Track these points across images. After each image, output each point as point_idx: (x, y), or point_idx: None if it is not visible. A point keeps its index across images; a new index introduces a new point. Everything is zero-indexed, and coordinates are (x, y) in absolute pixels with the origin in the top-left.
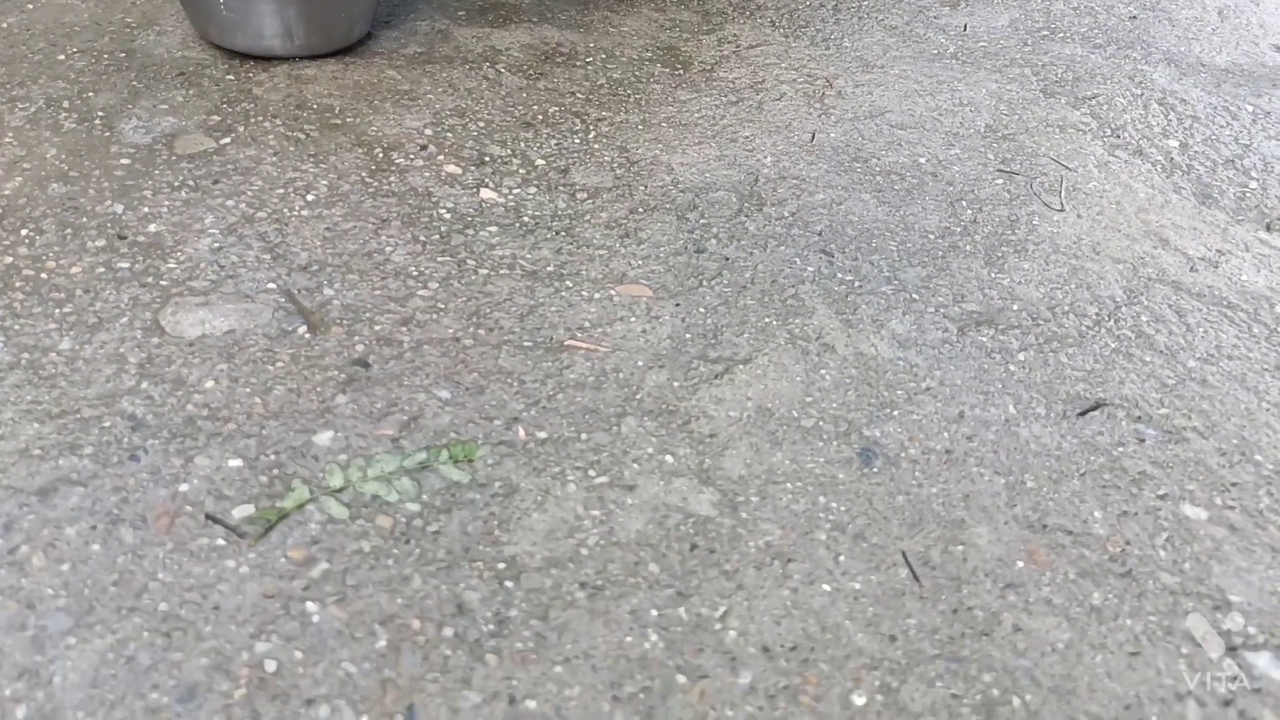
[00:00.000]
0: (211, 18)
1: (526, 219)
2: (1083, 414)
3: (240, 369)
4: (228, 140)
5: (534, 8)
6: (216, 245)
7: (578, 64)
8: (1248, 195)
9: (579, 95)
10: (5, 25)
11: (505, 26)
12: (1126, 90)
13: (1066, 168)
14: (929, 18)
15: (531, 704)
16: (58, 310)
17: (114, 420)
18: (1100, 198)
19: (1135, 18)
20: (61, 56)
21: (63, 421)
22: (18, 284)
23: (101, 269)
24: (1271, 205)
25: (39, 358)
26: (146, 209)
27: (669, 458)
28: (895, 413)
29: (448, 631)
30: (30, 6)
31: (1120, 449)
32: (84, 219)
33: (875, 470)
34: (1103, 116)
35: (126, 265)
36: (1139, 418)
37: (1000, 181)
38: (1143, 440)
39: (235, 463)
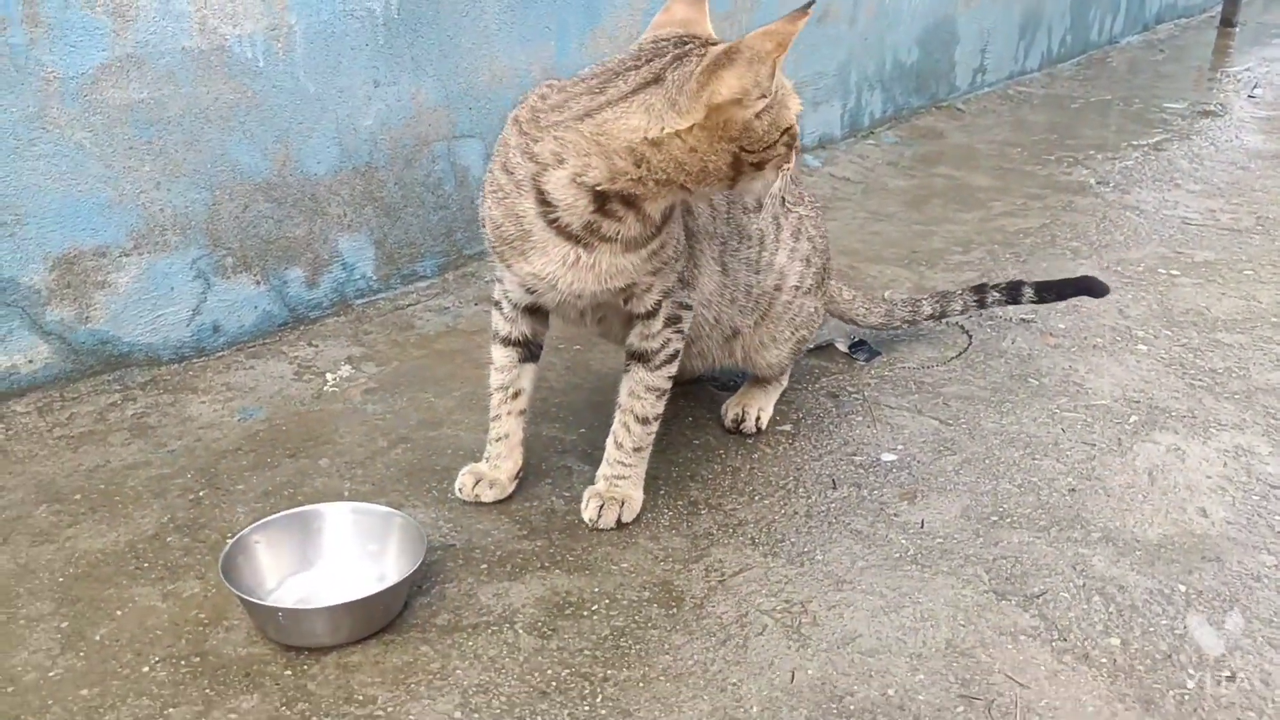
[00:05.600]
0: (268, 623)
1: None
2: None
3: None
4: None
5: (544, 551)
6: None
7: (584, 614)
8: (1185, 700)
9: (586, 653)
10: (98, 638)
11: (520, 577)
12: (1070, 582)
13: (1020, 684)
14: (889, 515)
15: None
16: None
17: None
18: (1052, 716)
19: (1074, 490)
20: (146, 668)
21: None
22: None
23: None
24: (1208, 709)
25: None
26: None
27: None
28: None
29: None
30: (119, 614)
31: None
32: None
33: None
34: (1050, 617)
35: None
36: None
37: (961, 709)
38: None
39: None
